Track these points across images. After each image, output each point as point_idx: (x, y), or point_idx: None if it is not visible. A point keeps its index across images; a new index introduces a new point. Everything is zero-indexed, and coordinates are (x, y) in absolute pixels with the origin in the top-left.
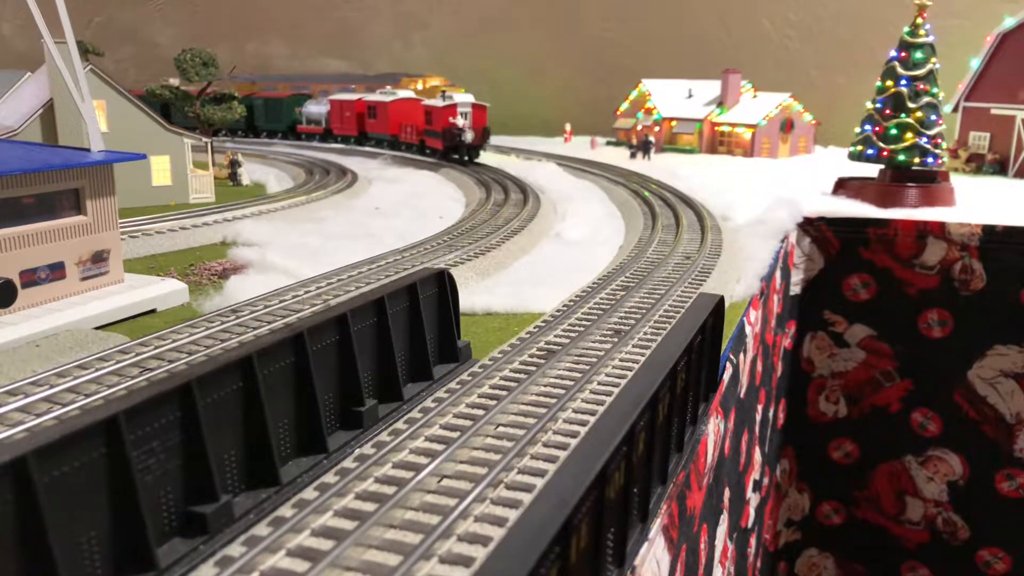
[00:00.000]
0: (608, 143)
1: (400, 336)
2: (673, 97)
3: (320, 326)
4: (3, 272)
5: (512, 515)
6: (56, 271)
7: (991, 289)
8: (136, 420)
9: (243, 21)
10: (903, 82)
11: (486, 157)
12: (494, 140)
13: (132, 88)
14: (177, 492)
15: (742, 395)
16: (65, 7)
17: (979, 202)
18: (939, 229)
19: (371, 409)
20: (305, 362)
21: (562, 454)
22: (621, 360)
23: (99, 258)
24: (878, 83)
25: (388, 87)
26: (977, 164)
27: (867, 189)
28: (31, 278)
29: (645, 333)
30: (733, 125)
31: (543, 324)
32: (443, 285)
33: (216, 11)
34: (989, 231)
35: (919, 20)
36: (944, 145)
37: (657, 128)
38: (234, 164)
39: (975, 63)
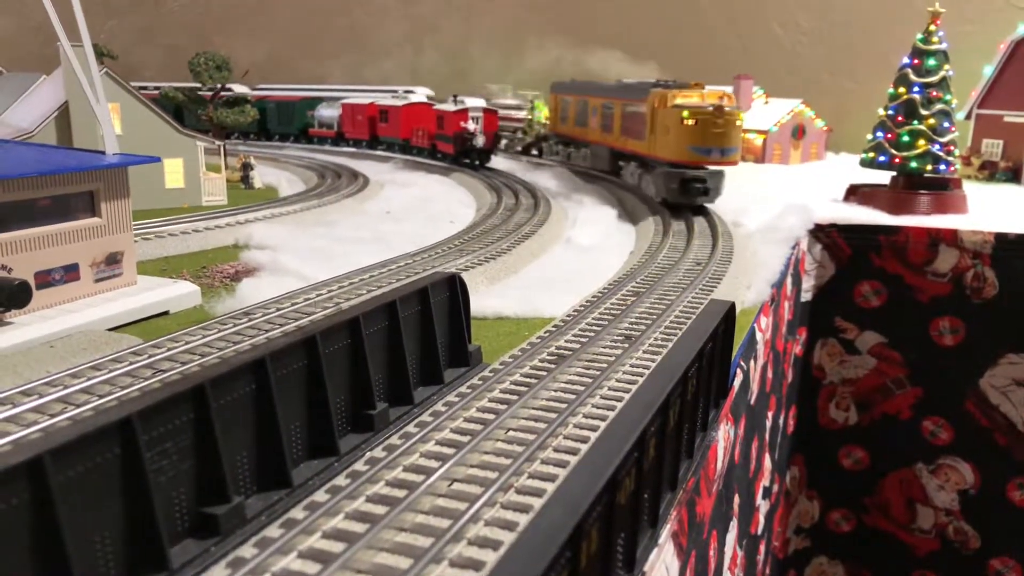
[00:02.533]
0: None
1: (411, 340)
2: None
3: (332, 329)
4: (19, 273)
5: (522, 519)
6: (70, 272)
7: (1003, 297)
8: (150, 421)
9: (252, 25)
10: (916, 89)
11: (497, 162)
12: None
13: (145, 90)
14: (190, 493)
15: (752, 401)
16: (81, 11)
17: (992, 209)
18: (951, 236)
19: (382, 412)
20: (317, 365)
21: (572, 459)
22: (632, 365)
23: (113, 260)
24: (890, 90)
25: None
26: (990, 171)
27: (879, 196)
28: (46, 279)
29: (656, 339)
30: (745, 131)
31: (554, 329)
32: (454, 289)
33: (227, 15)
34: (1002, 239)
35: (932, 27)
36: (956, 152)
37: None
38: (246, 167)
39: (988, 70)
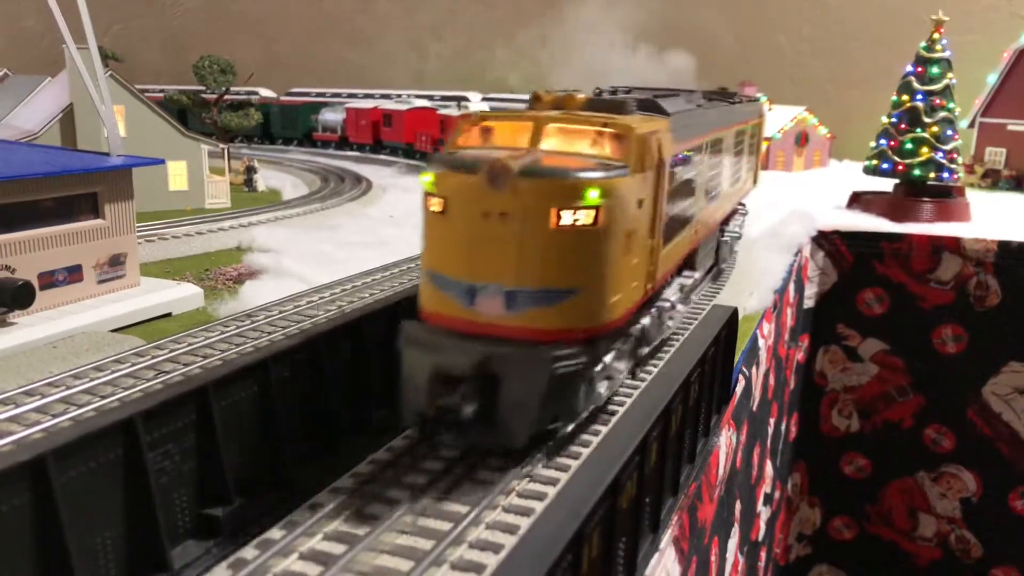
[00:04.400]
0: None
1: None
2: None
3: (334, 332)
4: (22, 274)
5: (524, 523)
6: (74, 274)
7: (1006, 305)
8: (152, 422)
9: (257, 29)
10: (919, 97)
11: None
12: None
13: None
14: (191, 494)
15: (754, 408)
16: (88, 14)
17: (995, 218)
18: (954, 244)
19: (383, 416)
20: (319, 367)
21: (574, 463)
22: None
23: (116, 261)
24: (894, 97)
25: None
26: (993, 180)
27: (882, 203)
28: (49, 280)
29: (658, 344)
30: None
31: None
32: None
33: (231, 19)
34: (1005, 247)
35: (936, 35)
36: (960, 160)
37: None
38: (250, 170)
39: (992, 79)
